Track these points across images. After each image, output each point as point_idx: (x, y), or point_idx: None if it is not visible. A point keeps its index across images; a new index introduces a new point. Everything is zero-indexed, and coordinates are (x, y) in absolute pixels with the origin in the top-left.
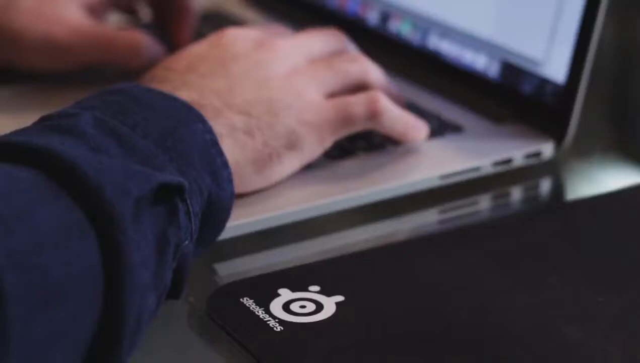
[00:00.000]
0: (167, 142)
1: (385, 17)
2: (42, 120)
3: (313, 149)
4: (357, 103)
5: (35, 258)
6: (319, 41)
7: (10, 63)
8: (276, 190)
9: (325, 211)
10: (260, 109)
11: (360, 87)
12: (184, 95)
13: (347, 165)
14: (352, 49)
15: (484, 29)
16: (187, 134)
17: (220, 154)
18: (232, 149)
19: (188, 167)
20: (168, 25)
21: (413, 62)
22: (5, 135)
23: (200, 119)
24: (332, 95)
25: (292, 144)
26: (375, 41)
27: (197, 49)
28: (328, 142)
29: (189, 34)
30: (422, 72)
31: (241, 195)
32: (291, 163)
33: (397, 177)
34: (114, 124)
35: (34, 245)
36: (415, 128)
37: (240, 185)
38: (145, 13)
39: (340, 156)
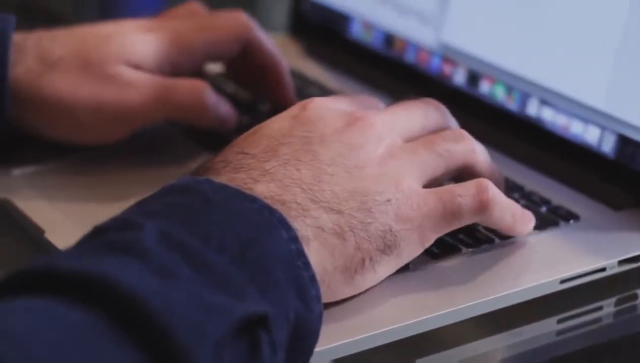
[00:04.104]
0: (246, 257)
1: (474, 77)
2: (96, 233)
3: (412, 250)
4: (464, 194)
5: None
6: (417, 115)
7: (51, 134)
8: (369, 301)
9: (429, 327)
10: (352, 204)
11: (463, 169)
12: (263, 189)
13: (451, 266)
14: (453, 123)
15: (595, 96)
16: (269, 245)
17: (307, 266)
18: (319, 255)
19: (272, 288)
20: (266, 90)
21: (508, 131)
22: (55, 259)
23: (283, 224)
24: (434, 180)
25: (388, 247)
26: (462, 104)
27: (278, 125)
28: (429, 241)
29: (291, 91)
30: (519, 143)
31: (326, 305)
32: (386, 269)
33: (512, 283)
34: (184, 237)
35: None
36: (523, 219)
37: (326, 295)
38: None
39: (441, 254)
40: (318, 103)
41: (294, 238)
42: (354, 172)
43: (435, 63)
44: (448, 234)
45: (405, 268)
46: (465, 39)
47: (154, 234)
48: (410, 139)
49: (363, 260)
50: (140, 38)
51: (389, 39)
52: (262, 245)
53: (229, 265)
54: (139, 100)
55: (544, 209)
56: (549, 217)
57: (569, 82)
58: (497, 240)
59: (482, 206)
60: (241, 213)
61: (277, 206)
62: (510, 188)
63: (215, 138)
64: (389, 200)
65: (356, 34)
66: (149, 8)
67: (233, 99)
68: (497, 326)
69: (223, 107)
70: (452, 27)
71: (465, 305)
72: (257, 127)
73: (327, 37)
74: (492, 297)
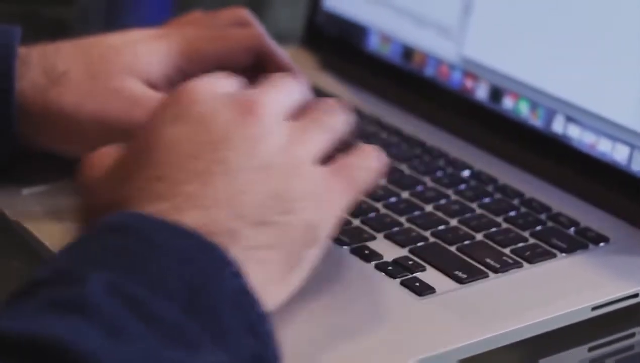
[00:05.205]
0: (194, 302)
1: (497, 93)
2: (36, 285)
3: (329, 235)
4: (362, 167)
5: None
6: (291, 89)
7: (57, 149)
8: (393, 328)
9: (457, 357)
10: (273, 209)
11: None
12: (191, 219)
13: (478, 292)
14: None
15: (624, 113)
16: (216, 285)
17: (256, 302)
18: (255, 272)
19: (225, 332)
20: None
21: (532, 148)
22: None
23: (224, 260)
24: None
25: (312, 241)
26: (484, 120)
27: (170, 131)
28: (341, 218)
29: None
30: (545, 161)
31: (345, 334)
32: (311, 262)
33: (541, 311)
34: (129, 287)
35: None
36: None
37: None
38: None
39: (468, 279)
40: (199, 90)
41: (237, 274)
42: (264, 172)
43: (456, 77)
44: (474, 258)
45: (431, 293)
46: (488, 52)
47: (99, 287)
48: (293, 114)
49: (295, 262)
50: (147, 48)
51: (408, 52)
52: (209, 287)
53: (180, 314)
54: (145, 118)
55: (572, 231)
56: (578, 240)
57: (596, 98)
58: (525, 265)
59: (379, 173)
60: (182, 252)
61: (210, 238)
62: (537, 209)
63: None
64: (303, 195)
65: (373, 47)
66: (157, 16)
67: None
68: (527, 354)
69: None
70: (474, 40)
71: (494, 334)
72: (142, 139)
73: (343, 49)
74: (522, 325)
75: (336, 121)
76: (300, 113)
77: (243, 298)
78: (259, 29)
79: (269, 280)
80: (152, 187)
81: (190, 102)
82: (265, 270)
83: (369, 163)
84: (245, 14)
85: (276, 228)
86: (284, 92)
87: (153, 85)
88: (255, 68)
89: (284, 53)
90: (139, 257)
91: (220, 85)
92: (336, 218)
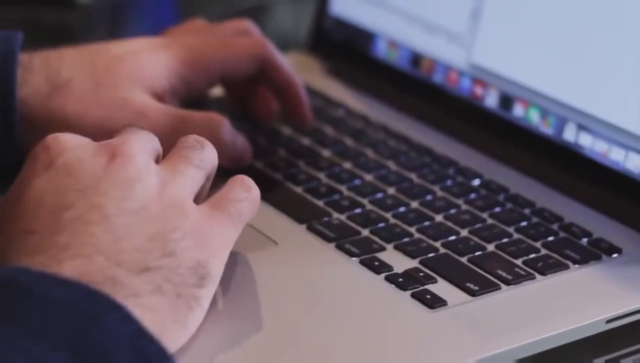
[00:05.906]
0: (80, 350)
1: (506, 100)
2: None
3: (221, 269)
4: (239, 198)
5: None
6: (145, 134)
7: None
8: (402, 342)
9: None
10: (155, 253)
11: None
12: (71, 268)
13: (490, 304)
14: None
15: (636, 121)
16: (102, 333)
17: (151, 341)
18: (144, 319)
19: None
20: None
21: (543, 157)
22: None
23: (112, 306)
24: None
25: (203, 279)
26: (494, 128)
27: (41, 184)
28: (227, 255)
29: (308, 110)
30: (556, 170)
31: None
32: (208, 298)
33: (555, 324)
34: (12, 339)
35: None
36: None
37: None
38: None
39: (479, 291)
40: (63, 141)
41: (128, 317)
42: (142, 215)
43: (465, 84)
44: (486, 270)
45: (443, 306)
46: (497, 59)
47: None
48: (158, 157)
49: (188, 303)
50: (152, 57)
51: (416, 58)
52: (94, 335)
53: (65, 360)
54: (150, 130)
55: (584, 242)
56: (591, 251)
57: (608, 105)
58: (537, 276)
59: (257, 202)
60: (65, 302)
61: (92, 286)
62: (548, 219)
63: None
64: (185, 235)
65: (381, 53)
66: (160, 23)
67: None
68: None
69: (240, 143)
70: (483, 46)
71: (506, 348)
72: (15, 190)
73: (350, 55)
74: (535, 339)
75: (203, 155)
76: (164, 156)
77: (138, 342)
78: (262, 38)
79: (161, 327)
80: (25, 241)
81: (57, 153)
82: (155, 317)
83: (245, 193)
84: (248, 24)
85: (160, 273)
86: (143, 138)
87: (157, 95)
88: (257, 78)
89: (286, 62)
90: (20, 309)
91: (83, 138)
92: (223, 253)
